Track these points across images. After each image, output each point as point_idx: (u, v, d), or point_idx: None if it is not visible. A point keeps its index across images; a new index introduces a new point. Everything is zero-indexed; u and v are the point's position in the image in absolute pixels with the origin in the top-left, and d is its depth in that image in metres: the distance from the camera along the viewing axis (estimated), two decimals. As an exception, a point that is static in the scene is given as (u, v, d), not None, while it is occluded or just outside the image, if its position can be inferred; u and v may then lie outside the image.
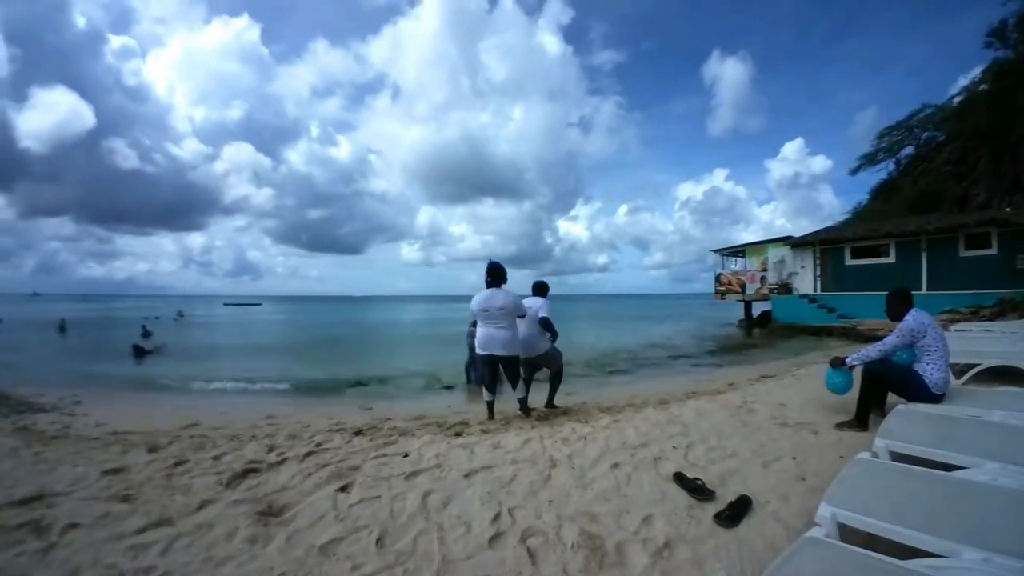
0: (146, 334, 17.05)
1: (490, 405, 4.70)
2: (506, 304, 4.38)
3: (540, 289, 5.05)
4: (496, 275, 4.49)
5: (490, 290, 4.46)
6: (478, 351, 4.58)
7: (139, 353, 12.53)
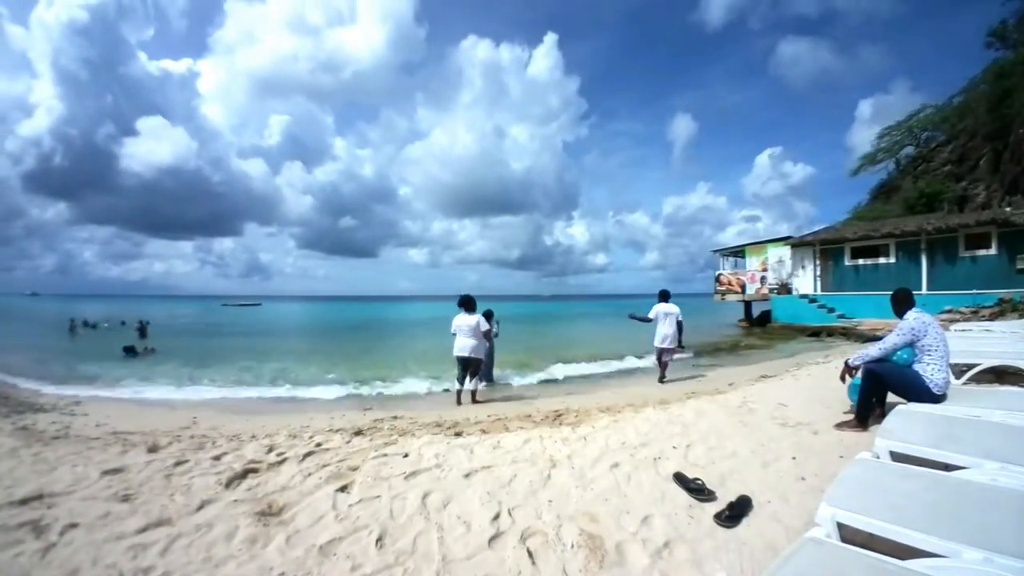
0: (143, 332, 16.98)
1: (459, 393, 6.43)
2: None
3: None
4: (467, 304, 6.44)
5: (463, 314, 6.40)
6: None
7: (131, 354, 12.38)
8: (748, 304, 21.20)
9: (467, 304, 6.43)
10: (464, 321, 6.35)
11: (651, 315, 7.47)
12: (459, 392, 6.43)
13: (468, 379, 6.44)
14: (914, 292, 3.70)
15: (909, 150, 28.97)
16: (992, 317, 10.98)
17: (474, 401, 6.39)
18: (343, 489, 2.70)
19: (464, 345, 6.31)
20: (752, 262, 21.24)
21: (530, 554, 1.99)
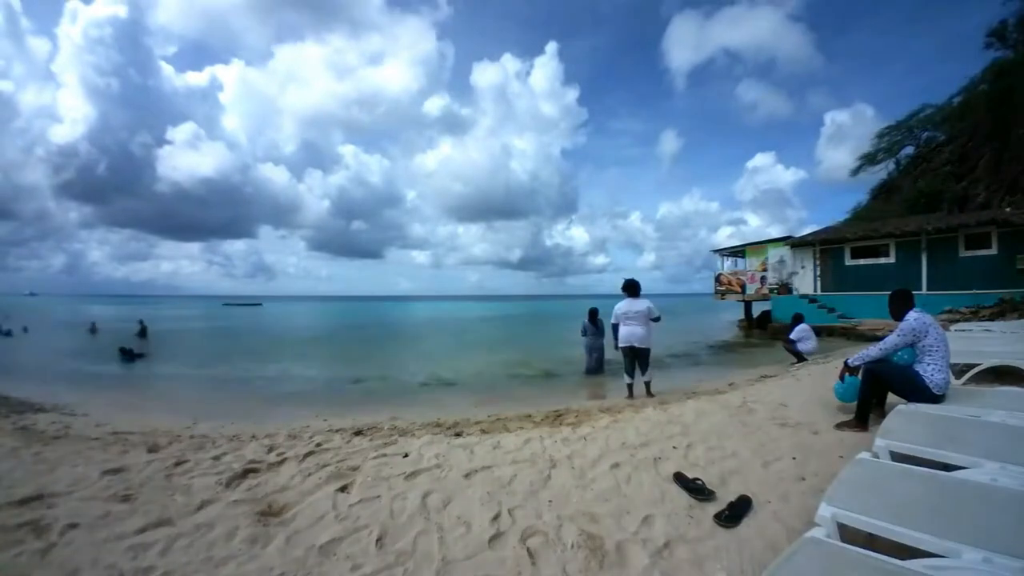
0: (142, 333, 16.94)
1: (631, 387, 6.04)
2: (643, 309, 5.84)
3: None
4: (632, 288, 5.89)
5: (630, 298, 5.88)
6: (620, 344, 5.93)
7: (127, 356, 12.22)
8: (748, 304, 21.20)
9: (632, 289, 5.86)
10: (632, 307, 5.82)
11: (808, 342, 8.69)
12: (630, 386, 6.01)
13: (639, 371, 5.95)
14: (914, 292, 3.69)
15: (909, 150, 28.99)
16: (992, 317, 10.97)
17: (649, 394, 5.88)
18: (343, 489, 2.70)
19: (633, 334, 5.79)
20: (752, 262, 21.24)
21: (530, 554, 1.99)
